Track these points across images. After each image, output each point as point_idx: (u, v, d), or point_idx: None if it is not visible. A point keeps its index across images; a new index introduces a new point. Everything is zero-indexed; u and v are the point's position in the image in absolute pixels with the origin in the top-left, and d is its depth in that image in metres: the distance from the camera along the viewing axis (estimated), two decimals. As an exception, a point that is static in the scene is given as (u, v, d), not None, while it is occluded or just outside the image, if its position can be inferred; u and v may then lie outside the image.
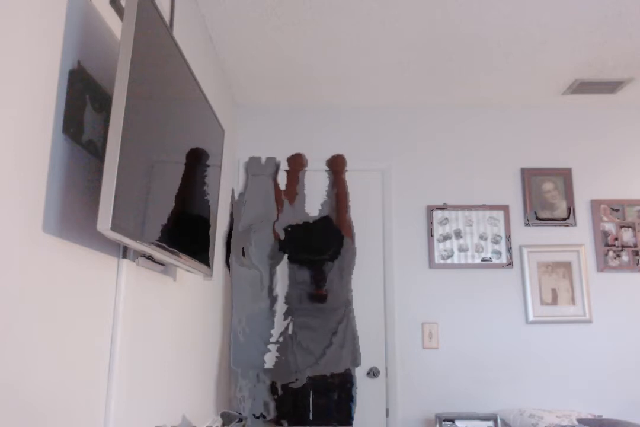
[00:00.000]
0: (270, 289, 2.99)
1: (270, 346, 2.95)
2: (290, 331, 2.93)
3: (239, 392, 2.83)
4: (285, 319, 2.98)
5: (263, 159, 3.20)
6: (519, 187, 3.24)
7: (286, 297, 3.00)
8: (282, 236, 3.03)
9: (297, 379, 2.83)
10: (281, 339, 2.95)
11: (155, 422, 1.67)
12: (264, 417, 2.83)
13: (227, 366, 2.88)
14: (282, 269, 3.07)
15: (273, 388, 2.87)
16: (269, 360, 2.94)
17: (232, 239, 2.98)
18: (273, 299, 2.99)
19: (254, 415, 2.83)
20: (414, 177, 3.26)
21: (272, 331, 2.96)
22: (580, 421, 2.55)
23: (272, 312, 2.97)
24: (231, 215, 3.00)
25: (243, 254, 2.98)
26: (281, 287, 3.04)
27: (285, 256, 3.03)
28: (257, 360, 2.89)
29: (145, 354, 1.58)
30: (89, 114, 1.20)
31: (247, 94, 3.19)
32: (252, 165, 3.18)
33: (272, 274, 3.02)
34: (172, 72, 1.39)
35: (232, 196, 3.07)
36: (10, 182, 0.91)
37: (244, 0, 2.24)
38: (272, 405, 2.84)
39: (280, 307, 3.01)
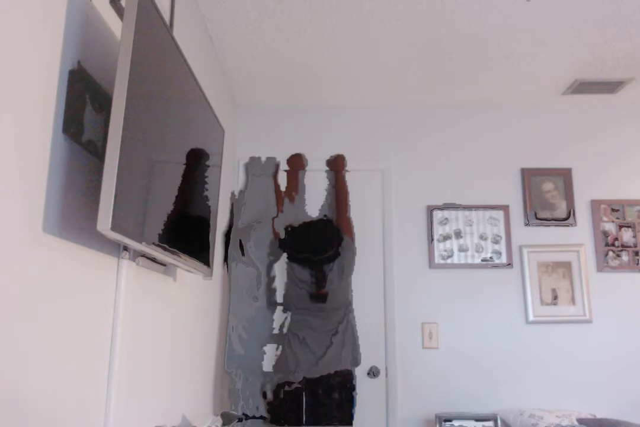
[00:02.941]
0: (269, 287, 2.99)
1: (268, 347, 2.95)
2: (289, 331, 2.92)
3: (232, 394, 2.83)
4: (284, 318, 2.98)
5: (263, 159, 3.20)
6: (519, 187, 3.24)
7: (285, 297, 3.00)
8: (283, 235, 3.03)
9: (296, 379, 2.83)
10: (280, 339, 2.95)
11: (155, 422, 1.67)
12: (263, 418, 2.83)
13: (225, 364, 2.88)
14: (281, 267, 3.07)
15: (268, 390, 2.87)
16: (267, 361, 2.94)
17: (232, 237, 2.98)
18: (271, 298, 2.99)
19: (245, 414, 2.82)
20: (414, 177, 3.26)
21: (270, 331, 2.96)
22: (580, 421, 2.55)
23: (269, 312, 2.97)
24: (231, 213, 3.00)
25: (242, 252, 2.98)
26: (280, 285, 3.04)
27: (285, 255, 3.03)
28: (252, 362, 2.89)
29: (145, 354, 1.58)
30: (89, 114, 1.20)
31: (247, 94, 3.19)
32: (253, 166, 3.18)
33: (269, 272, 3.02)
34: (172, 72, 1.39)
35: (233, 195, 3.07)
36: (11, 182, 0.91)
37: (244, 0, 2.24)
38: (266, 407, 2.84)
39: (279, 306, 3.01)
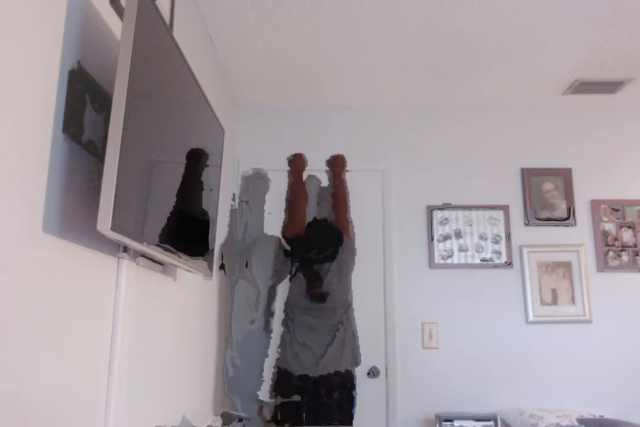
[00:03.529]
0: (267, 309, 2.97)
1: (269, 350, 2.95)
2: (290, 331, 2.92)
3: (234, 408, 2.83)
4: (285, 319, 2.97)
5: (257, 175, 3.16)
6: (519, 187, 3.24)
7: (288, 295, 2.99)
8: (287, 243, 3.02)
9: (296, 379, 2.83)
10: (281, 341, 2.94)
11: (155, 422, 1.67)
12: (263, 418, 2.83)
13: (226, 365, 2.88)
14: (283, 288, 3.03)
15: (268, 390, 2.88)
16: (268, 359, 2.94)
17: (236, 250, 2.96)
18: (268, 320, 2.96)
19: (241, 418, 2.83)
20: (414, 177, 3.25)
21: (265, 352, 2.95)
22: (580, 421, 2.55)
23: (266, 333, 2.95)
24: (230, 225, 2.98)
25: (246, 266, 2.97)
26: (280, 300, 3.02)
27: (290, 268, 3.01)
28: (252, 386, 2.89)
29: (145, 354, 1.58)
30: (89, 114, 1.20)
31: (247, 94, 3.19)
32: (251, 181, 3.16)
33: (270, 294, 2.99)
34: (172, 72, 1.39)
35: (232, 208, 3.04)
36: (11, 182, 0.91)
37: (244, 0, 2.24)
38: (266, 407, 2.85)
39: (277, 327, 2.98)
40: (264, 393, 2.93)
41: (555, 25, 2.42)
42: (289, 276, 2.99)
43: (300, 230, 3.05)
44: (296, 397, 2.80)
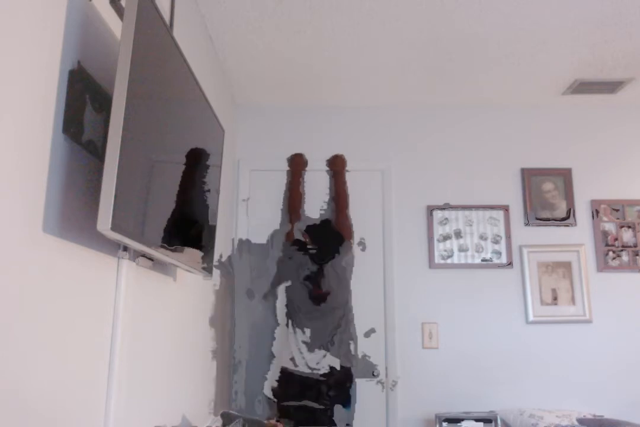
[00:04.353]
0: (271, 308, 3.00)
1: (274, 348, 2.96)
2: (291, 332, 2.92)
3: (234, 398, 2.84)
4: (286, 320, 2.97)
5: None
6: (519, 187, 3.24)
7: (287, 293, 2.99)
8: (297, 236, 3.05)
9: (296, 379, 2.83)
10: (282, 341, 2.95)
11: (155, 422, 1.67)
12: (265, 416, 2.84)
13: (226, 365, 2.88)
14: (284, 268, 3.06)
15: (268, 390, 2.89)
16: (272, 359, 2.94)
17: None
18: (273, 318, 2.99)
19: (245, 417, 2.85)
20: (414, 177, 3.25)
21: (271, 349, 2.97)
22: (580, 421, 2.55)
23: (270, 333, 2.97)
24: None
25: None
26: (282, 299, 3.03)
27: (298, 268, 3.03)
28: (257, 385, 2.91)
29: (145, 354, 1.58)
30: (89, 114, 1.20)
31: (247, 94, 3.19)
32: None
33: (274, 292, 3.01)
34: (172, 72, 1.39)
35: (228, 261, 3.04)
36: (11, 182, 0.91)
37: (244, 0, 2.24)
38: (266, 407, 2.86)
39: (278, 327, 3.00)
40: (267, 392, 2.93)
41: (555, 25, 2.42)
42: (298, 276, 3.00)
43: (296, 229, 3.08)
44: (301, 399, 2.81)
